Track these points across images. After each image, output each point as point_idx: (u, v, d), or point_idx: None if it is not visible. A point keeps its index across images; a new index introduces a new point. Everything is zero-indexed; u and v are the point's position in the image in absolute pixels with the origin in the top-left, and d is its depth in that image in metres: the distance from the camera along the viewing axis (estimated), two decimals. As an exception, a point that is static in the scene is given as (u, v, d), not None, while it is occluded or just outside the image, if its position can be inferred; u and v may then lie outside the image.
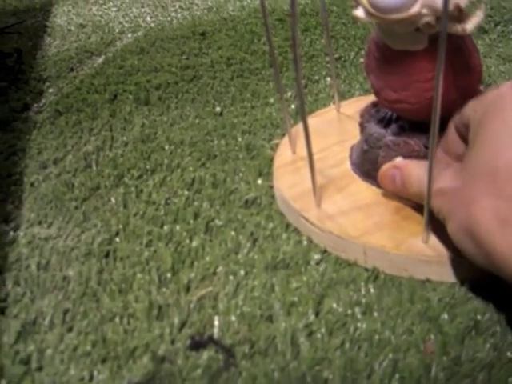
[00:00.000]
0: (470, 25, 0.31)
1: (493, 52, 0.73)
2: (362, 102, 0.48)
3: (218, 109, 0.60)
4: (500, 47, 0.75)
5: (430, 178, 0.33)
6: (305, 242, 0.40)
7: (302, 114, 0.38)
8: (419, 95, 0.37)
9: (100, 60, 0.78)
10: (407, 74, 0.36)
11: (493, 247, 0.27)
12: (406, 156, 0.40)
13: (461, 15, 0.31)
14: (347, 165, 0.46)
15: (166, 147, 0.53)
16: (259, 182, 0.47)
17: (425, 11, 0.31)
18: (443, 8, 0.26)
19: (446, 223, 0.32)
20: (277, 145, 0.51)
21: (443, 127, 0.39)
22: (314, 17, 0.89)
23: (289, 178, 0.45)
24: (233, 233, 0.41)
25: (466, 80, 0.37)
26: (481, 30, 0.81)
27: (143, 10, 1.03)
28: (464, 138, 0.35)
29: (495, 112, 0.31)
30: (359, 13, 0.34)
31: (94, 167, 0.52)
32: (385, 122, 0.42)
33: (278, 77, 0.46)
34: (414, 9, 0.31)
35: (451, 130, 0.36)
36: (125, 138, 0.56)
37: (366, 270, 0.38)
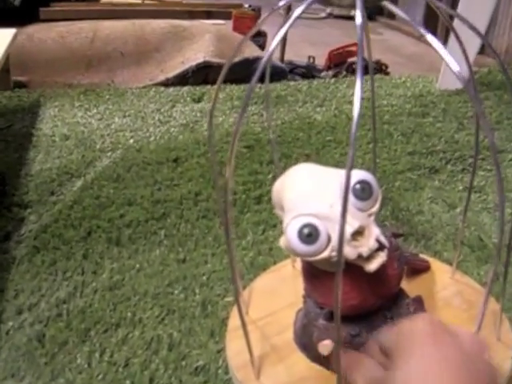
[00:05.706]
0: (375, 264, 0.38)
1: (439, 197, 0.80)
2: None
3: (181, 255, 0.66)
4: (447, 191, 0.82)
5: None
6: (245, 415, 0.46)
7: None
8: (341, 303, 0.43)
9: (79, 183, 0.84)
10: (330, 286, 0.42)
11: None
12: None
13: (365, 259, 0.37)
14: (291, 332, 0.52)
15: (132, 297, 0.59)
16: (210, 345, 0.53)
17: (334, 254, 0.38)
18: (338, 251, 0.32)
19: None
20: (230, 303, 0.57)
21: (372, 318, 0.45)
22: (282, 145, 0.96)
23: (238, 344, 0.51)
24: (181, 405, 0.47)
25: (382, 288, 0.44)
26: (432, 169, 0.88)
27: (124, 120, 1.10)
28: (383, 352, 0.39)
29: (406, 348, 0.35)
30: (282, 243, 0.40)
31: (65, 317, 0.57)
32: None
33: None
34: (324, 254, 0.38)
35: (373, 345, 0.41)
36: (95, 284, 0.62)
37: None
